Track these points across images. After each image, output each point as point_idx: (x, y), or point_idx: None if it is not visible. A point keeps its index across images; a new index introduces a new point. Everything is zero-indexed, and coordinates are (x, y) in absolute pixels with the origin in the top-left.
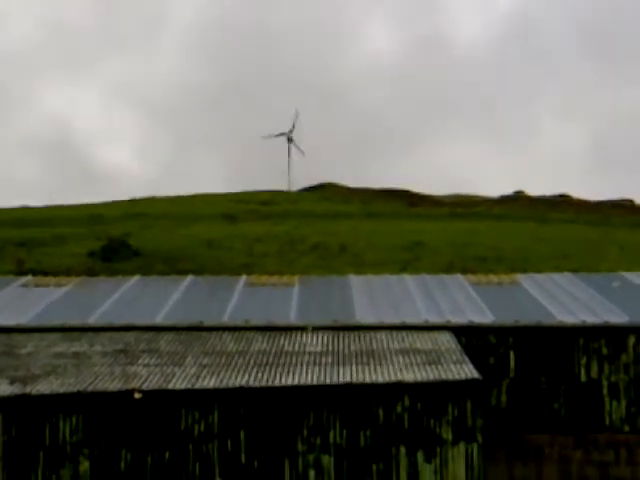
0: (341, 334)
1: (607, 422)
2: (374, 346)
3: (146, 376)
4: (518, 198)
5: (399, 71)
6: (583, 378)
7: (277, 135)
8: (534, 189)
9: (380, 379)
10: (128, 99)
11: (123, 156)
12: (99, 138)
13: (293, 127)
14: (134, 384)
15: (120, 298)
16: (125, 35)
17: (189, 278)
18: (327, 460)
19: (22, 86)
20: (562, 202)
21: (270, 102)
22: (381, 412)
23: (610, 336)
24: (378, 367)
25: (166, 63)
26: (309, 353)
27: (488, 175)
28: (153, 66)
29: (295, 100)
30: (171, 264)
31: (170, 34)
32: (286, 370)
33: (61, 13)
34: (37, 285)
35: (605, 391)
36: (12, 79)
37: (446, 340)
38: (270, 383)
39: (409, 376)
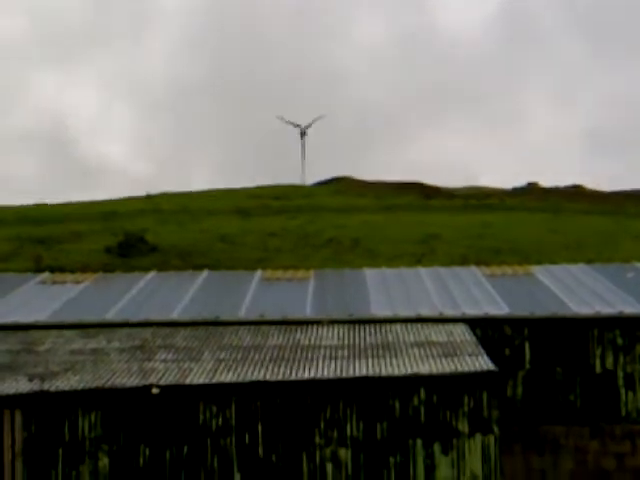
0: (356, 327)
1: (623, 413)
2: (389, 339)
3: (163, 371)
4: (531, 190)
5: (396, 61)
6: (598, 369)
7: (292, 123)
8: (546, 180)
9: (396, 372)
10: (126, 93)
11: (122, 151)
12: (96, 133)
13: (310, 125)
14: (152, 380)
15: (137, 294)
16: (120, 28)
17: (205, 273)
18: (344, 453)
19: (14, 79)
20: (575, 193)
21: (269, 94)
22: (397, 405)
23: (625, 326)
24: (394, 360)
25: (163, 56)
26: (325, 347)
27: (493, 165)
28: (150, 59)
29: (293, 90)
30: (186, 259)
31: (166, 27)
32: (302, 364)
33: (55, 5)
34: (55, 282)
35: (620, 382)
36: (3, 72)
37: (461, 332)
38: (287, 377)
39: (425, 368)
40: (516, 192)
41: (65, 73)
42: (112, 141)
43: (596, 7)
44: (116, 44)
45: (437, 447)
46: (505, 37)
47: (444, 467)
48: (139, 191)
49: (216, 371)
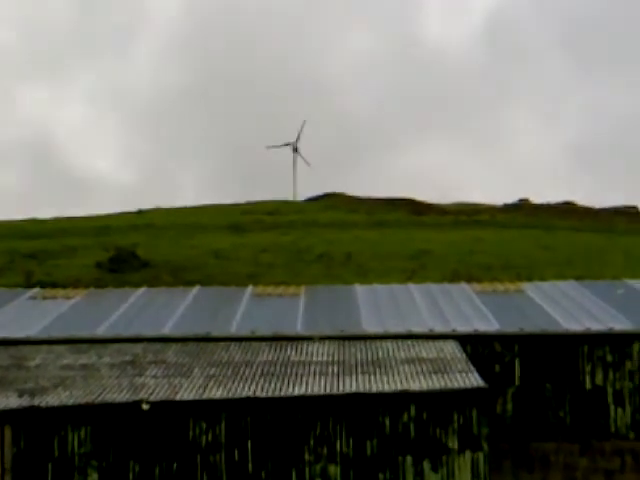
0: (347, 344)
1: (612, 429)
2: (380, 355)
3: (154, 387)
4: (522, 206)
5: (381, 74)
6: (588, 385)
7: (282, 145)
8: (535, 196)
9: (386, 388)
10: (112, 105)
11: (108, 164)
12: (81, 145)
13: (298, 137)
14: (142, 395)
15: (128, 309)
16: (106, 37)
17: (196, 289)
18: (334, 470)
19: None
20: (566, 209)
21: (257, 105)
22: (387, 421)
23: (615, 343)
24: (384, 376)
25: (149, 66)
26: (315, 363)
27: (479, 180)
28: (136, 70)
29: (281, 102)
30: (178, 275)
31: (152, 38)
32: (293, 380)
33: (40, 17)
34: (45, 297)
35: (610, 398)
36: None
37: (452, 349)
38: (277, 393)
39: (415, 385)
40: (507, 208)
41: (50, 85)
42: (98, 154)
43: (581, 21)
44: (102, 55)
45: (427, 464)
46: (490, 52)
47: None
48: (126, 204)
49: (206, 387)
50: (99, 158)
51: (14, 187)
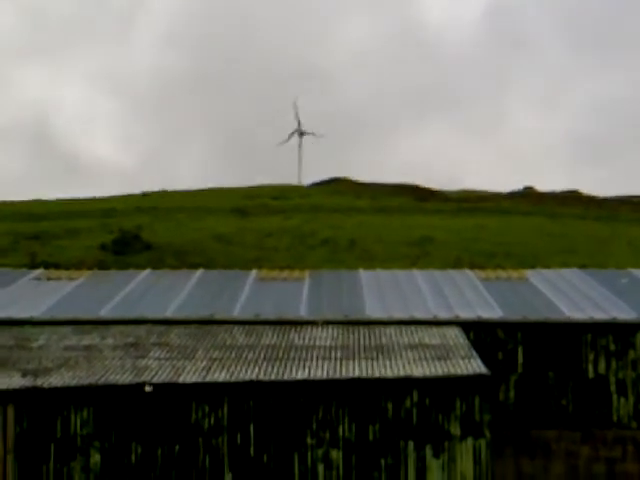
0: (350, 329)
1: (614, 418)
2: (383, 341)
3: (157, 369)
4: (527, 194)
5: (382, 61)
6: (591, 374)
7: (290, 135)
8: (542, 184)
9: (389, 374)
10: (113, 88)
11: (108, 147)
12: (80, 128)
13: (299, 121)
14: (145, 377)
15: (131, 291)
16: (106, 21)
17: (200, 272)
18: (336, 454)
19: None
20: (571, 198)
21: (252, 91)
22: (390, 407)
23: (618, 332)
24: (387, 362)
25: (149, 50)
26: (319, 347)
27: (479, 167)
28: (136, 53)
29: (278, 88)
30: (182, 258)
31: (153, 20)
32: (296, 364)
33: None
34: (49, 278)
35: (613, 387)
36: None
37: (455, 335)
38: (280, 377)
39: (418, 371)
40: (511, 196)
41: (50, 68)
42: (98, 137)
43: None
44: (102, 39)
45: (429, 450)
46: (490, 39)
47: (435, 470)
48: (126, 186)
49: (209, 370)
50: (99, 141)
51: (13, 169)
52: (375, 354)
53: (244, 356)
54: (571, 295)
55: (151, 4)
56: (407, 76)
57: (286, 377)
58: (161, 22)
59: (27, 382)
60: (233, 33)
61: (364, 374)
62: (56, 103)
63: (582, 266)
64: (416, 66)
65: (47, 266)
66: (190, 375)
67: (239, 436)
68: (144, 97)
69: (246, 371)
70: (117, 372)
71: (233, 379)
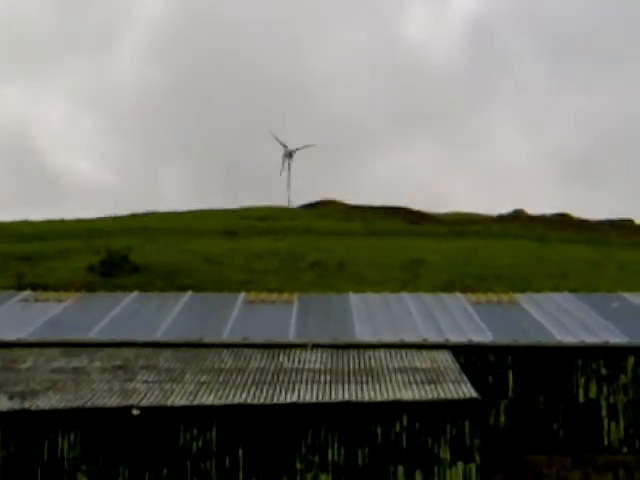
0: (340, 352)
1: (606, 443)
2: (373, 364)
3: (145, 392)
4: (517, 217)
5: (364, 78)
6: (582, 398)
7: (283, 158)
8: (531, 206)
9: (379, 397)
10: (94, 103)
11: (90, 165)
12: (62, 146)
13: (283, 144)
14: (132, 400)
15: (119, 314)
16: (88, 36)
17: (188, 294)
18: (325, 479)
19: None
20: (561, 221)
21: (242, 106)
22: (379, 431)
23: (609, 356)
24: (377, 385)
25: (132, 66)
26: (308, 371)
27: (466, 189)
28: (119, 68)
29: (266, 103)
30: (170, 279)
31: (137, 34)
32: (285, 388)
33: (20, 14)
34: (37, 300)
35: (604, 412)
36: None
37: (445, 359)
38: (269, 400)
39: (408, 395)
40: (502, 219)
41: (31, 84)
42: (80, 154)
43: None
44: (84, 54)
45: (418, 475)
46: (473, 57)
47: None
48: (108, 206)
49: (198, 393)
50: (82, 158)
51: None
52: (365, 378)
53: (233, 379)
54: (562, 319)
55: (135, 18)
56: (390, 95)
57: (275, 401)
58: (145, 37)
59: (14, 405)
60: (217, 49)
61: (353, 398)
62: (37, 119)
63: (573, 290)
64: (400, 86)
65: (34, 287)
66: (178, 398)
67: (228, 460)
68: (127, 114)
69: (235, 394)
70: (105, 395)
71: (222, 402)
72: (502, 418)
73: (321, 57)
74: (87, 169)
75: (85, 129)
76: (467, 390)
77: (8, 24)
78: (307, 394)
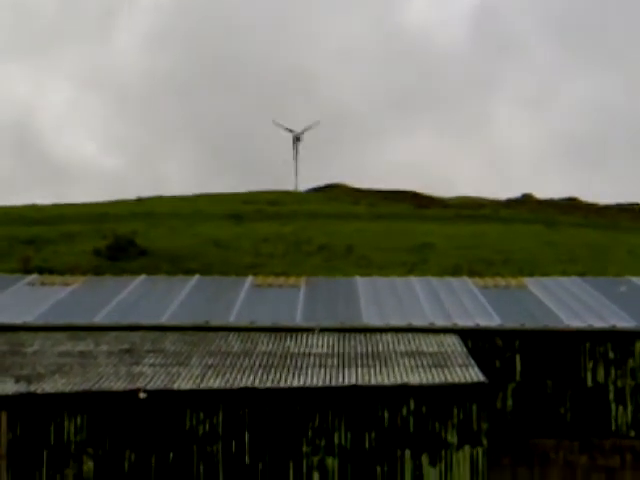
0: (347, 336)
1: (613, 427)
2: (380, 348)
3: (151, 376)
4: (525, 201)
5: (368, 63)
6: (589, 383)
7: (286, 129)
8: (540, 192)
9: (386, 381)
10: (97, 88)
11: (93, 149)
12: (67, 130)
13: (304, 131)
14: (139, 384)
15: (126, 297)
16: (90, 20)
17: (195, 278)
18: (331, 462)
19: None
20: (570, 205)
21: (245, 91)
22: (386, 414)
23: (617, 341)
24: (384, 369)
25: (136, 51)
26: (315, 355)
27: (471, 173)
28: (124, 54)
29: (268, 89)
30: (177, 263)
31: (139, 19)
32: (292, 371)
33: None
34: (43, 284)
35: (611, 396)
36: None
37: (452, 343)
38: (275, 384)
39: (415, 379)
40: (510, 203)
41: (34, 68)
42: (84, 139)
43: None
44: (87, 39)
45: (425, 458)
46: (477, 40)
47: (432, 478)
48: (116, 190)
49: (204, 377)
50: (87, 143)
51: None
52: (372, 362)
53: (239, 363)
54: (570, 303)
55: (138, 3)
56: (394, 78)
57: (282, 384)
58: (147, 22)
59: (20, 388)
60: (221, 33)
61: (360, 382)
62: (40, 104)
63: (581, 274)
64: (404, 68)
65: (41, 271)
66: (185, 382)
67: (234, 444)
68: (133, 98)
69: (241, 378)
70: (111, 379)
71: (228, 386)
72: (509, 402)
73: (324, 41)
74: (93, 153)
75: (91, 113)
76: (474, 374)
77: (13, 6)
78: (314, 378)
